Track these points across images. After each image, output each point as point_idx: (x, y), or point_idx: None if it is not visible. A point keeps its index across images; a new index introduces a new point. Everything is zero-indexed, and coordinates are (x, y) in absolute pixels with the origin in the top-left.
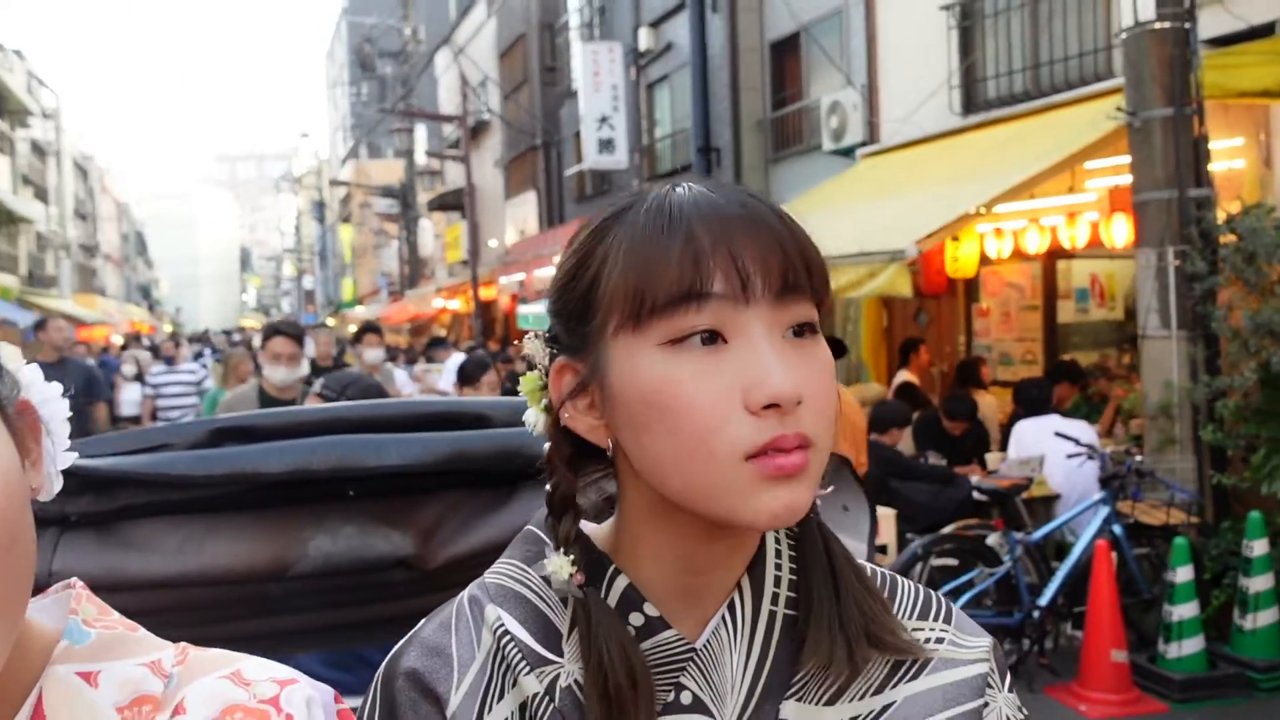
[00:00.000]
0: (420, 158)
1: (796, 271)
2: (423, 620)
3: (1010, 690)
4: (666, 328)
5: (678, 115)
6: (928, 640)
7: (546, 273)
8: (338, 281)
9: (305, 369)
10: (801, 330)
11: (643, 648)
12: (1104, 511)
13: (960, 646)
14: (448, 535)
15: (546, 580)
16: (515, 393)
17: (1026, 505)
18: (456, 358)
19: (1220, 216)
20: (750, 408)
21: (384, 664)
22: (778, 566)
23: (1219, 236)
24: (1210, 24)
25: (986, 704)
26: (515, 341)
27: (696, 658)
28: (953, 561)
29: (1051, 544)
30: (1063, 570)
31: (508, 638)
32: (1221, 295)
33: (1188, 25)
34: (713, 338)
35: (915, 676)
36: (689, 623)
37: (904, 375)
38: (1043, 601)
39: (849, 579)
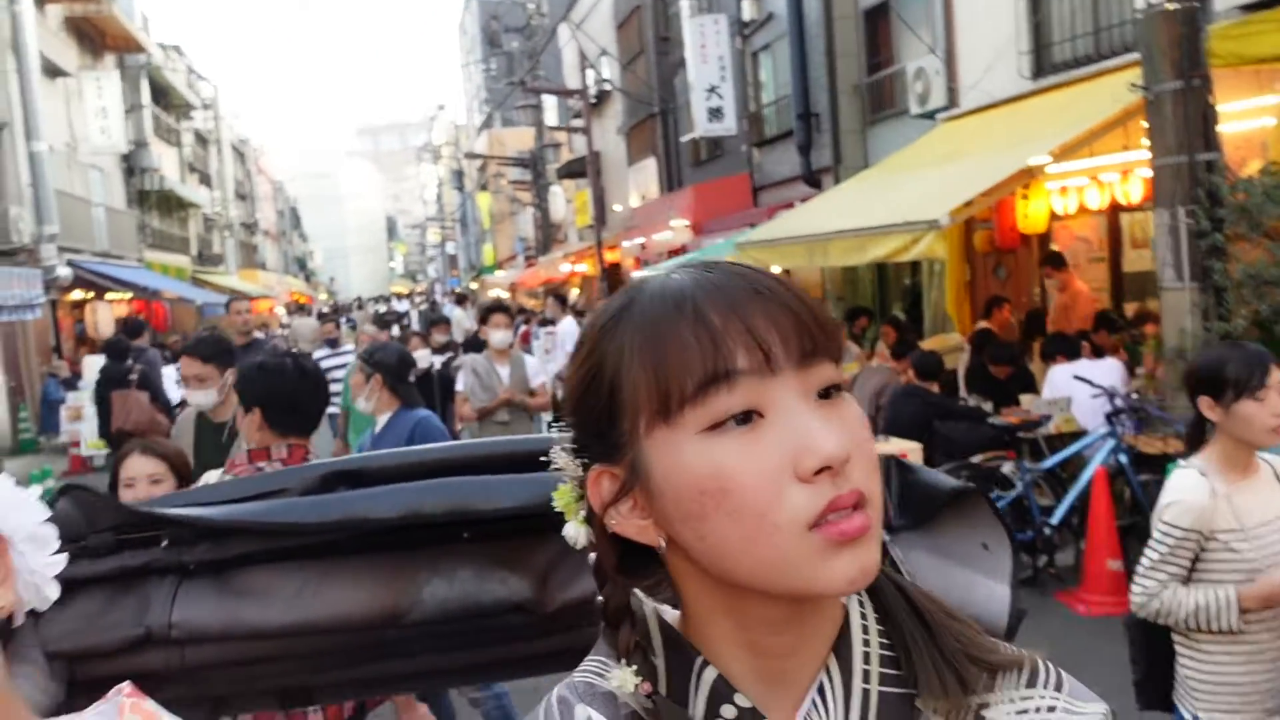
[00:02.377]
0: (549, 126)
1: (814, 335)
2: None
3: None
4: (700, 415)
5: (780, 82)
6: (1039, 709)
7: (664, 236)
8: (478, 247)
9: (217, 393)
10: (828, 392)
11: None
12: (1110, 443)
13: (1074, 713)
14: (563, 579)
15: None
16: None
17: (1059, 439)
18: (569, 322)
19: (1238, 175)
20: (802, 476)
21: None
22: (865, 641)
23: (1224, 196)
24: None
25: None
26: None
27: None
28: (971, 486)
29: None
30: (1071, 494)
31: None
32: (1235, 249)
33: (1196, 4)
34: (748, 416)
35: None
36: (783, 708)
37: (982, 324)
38: (1054, 520)
39: (934, 613)
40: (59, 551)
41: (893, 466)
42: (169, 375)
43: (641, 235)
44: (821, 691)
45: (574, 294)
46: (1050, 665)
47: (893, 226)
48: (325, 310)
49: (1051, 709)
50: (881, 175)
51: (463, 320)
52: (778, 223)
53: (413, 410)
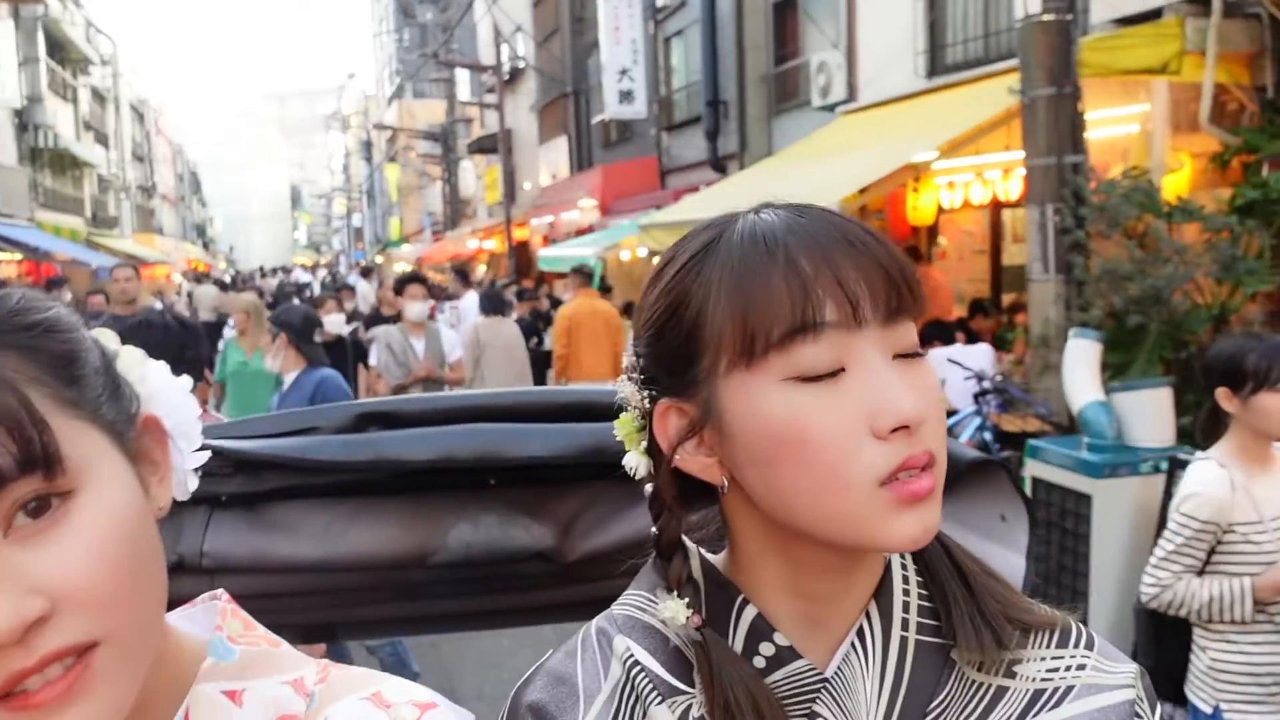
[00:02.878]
0: (461, 100)
1: (901, 292)
2: (549, 651)
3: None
4: (784, 363)
5: (692, 68)
6: (1069, 668)
7: (572, 216)
8: (385, 220)
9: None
10: (907, 354)
11: (774, 678)
12: (976, 421)
13: (1104, 672)
14: (586, 529)
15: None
16: (537, 328)
17: None
18: (472, 296)
19: (1102, 178)
20: (878, 433)
21: (511, 695)
22: (905, 592)
23: (1087, 197)
24: (1104, 10)
25: None
26: (546, 284)
27: (829, 687)
28: (993, 458)
29: None
30: None
31: (638, 668)
32: (1095, 246)
33: (1069, 17)
34: (834, 371)
35: (1057, 705)
36: (819, 651)
37: None
38: None
39: (975, 571)
40: None
41: None
42: None
43: (550, 214)
44: (861, 636)
45: (481, 270)
46: (1083, 626)
47: None
48: (225, 280)
49: (1082, 666)
50: (783, 164)
51: (368, 293)
52: (682, 205)
53: (317, 369)
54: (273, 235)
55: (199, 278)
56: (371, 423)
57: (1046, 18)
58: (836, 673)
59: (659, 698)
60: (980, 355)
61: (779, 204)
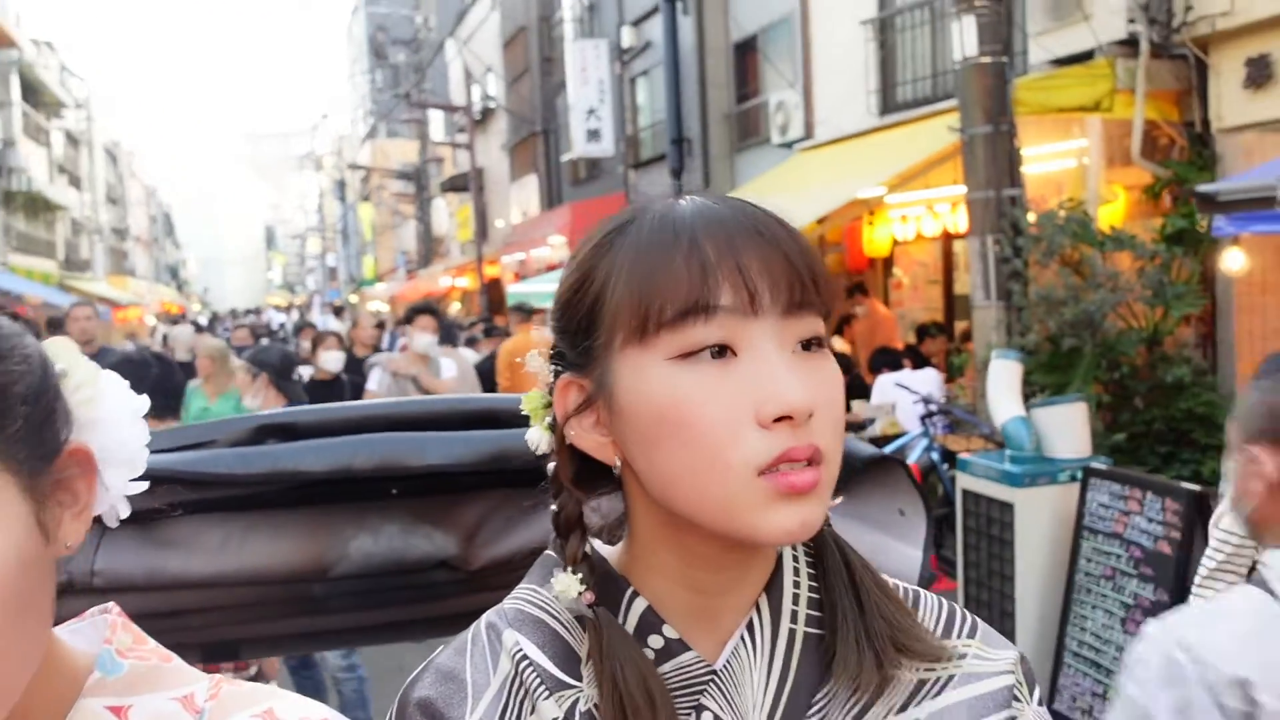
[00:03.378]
0: (434, 140)
1: (805, 285)
2: (439, 648)
3: (1040, 703)
4: (674, 341)
5: (657, 107)
6: (951, 657)
7: (542, 253)
8: (359, 259)
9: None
10: (809, 344)
11: (663, 670)
12: (924, 442)
13: (985, 660)
14: (490, 536)
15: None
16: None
17: (885, 440)
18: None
19: (1040, 210)
20: (762, 421)
21: (400, 692)
22: (796, 585)
23: (1025, 228)
24: (1041, 52)
25: (1014, 717)
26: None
27: (717, 679)
28: (890, 455)
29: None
30: None
31: (526, 663)
32: (1032, 273)
33: (1004, 60)
34: (721, 351)
35: (939, 693)
36: (708, 643)
37: (836, 342)
38: None
39: (870, 589)
40: None
41: None
42: None
43: (521, 250)
44: (750, 629)
45: (455, 308)
46: (967, 614)
47: None
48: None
49: (963, 656)
50: (749, 195)
51: (340, 332)
52: None
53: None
54: (247, 276)
55: (174, 319)
56: (270, 435)
57: (983, 60)
58: (725, 665)
59: (546, 692)
60: (927, 379)
61: (705, 192)
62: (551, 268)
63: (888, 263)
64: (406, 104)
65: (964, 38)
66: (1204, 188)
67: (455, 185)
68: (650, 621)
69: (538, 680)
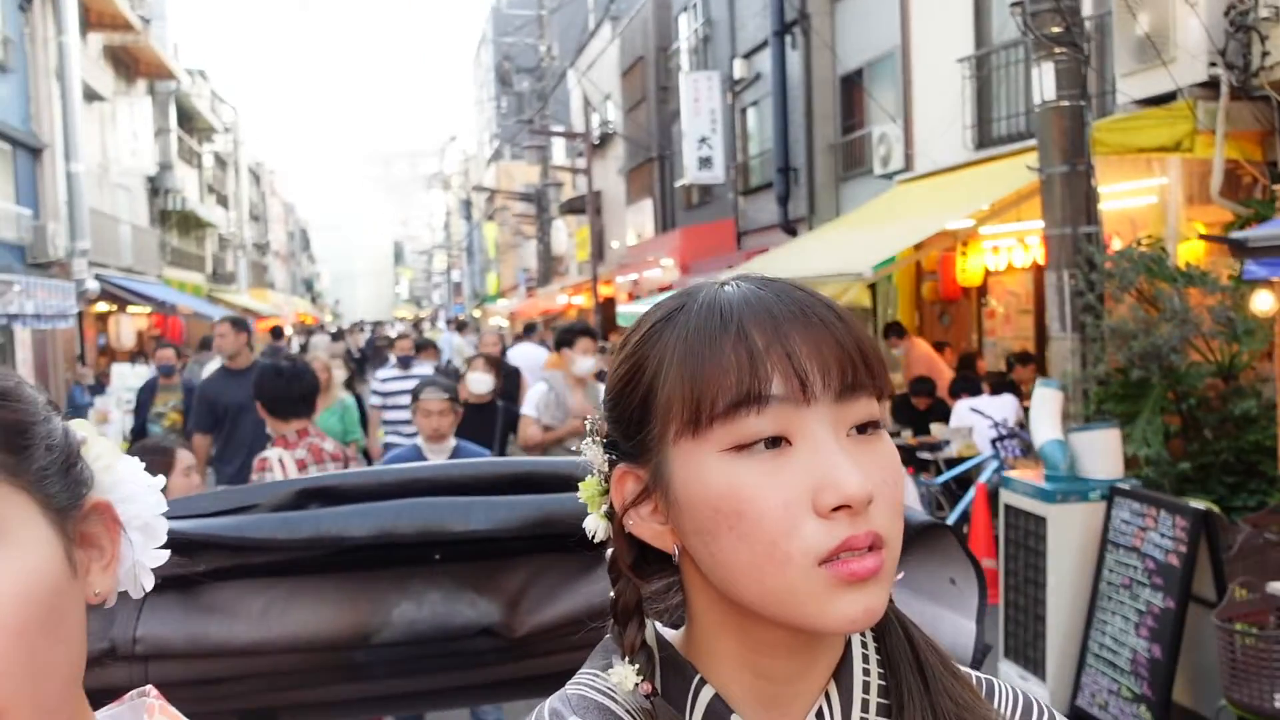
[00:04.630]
0: (554, 163)
1: (856, 369)
2: None
3: None
4: (728, 434)
5: (765, 137)
6: None
7: (654, 274)
8: (483, 275)
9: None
10: (864, 428)
11: None
12: (994, 464)
13: None
14: (534, 603)
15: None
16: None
17: (959, 461)
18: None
19: (1117, 247)
20: (820, 511)
21: None
22: (865, 671)
23: (1100, 263)
24: (1126, 93)
25: None
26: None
27: None
28: (940, 522)
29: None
30: (961, 503)
31: None
32: (1107, 307)
33: (1082, 103)
34: (776, 441)
35: None
36: None
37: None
38: (949, 522)
39: (935, 666)
40: None
41: None
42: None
43: (635, 272)
44: (820, 717)
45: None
46: (1043, 704)
47: (829, 276)
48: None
49: None
50: (842, 229)
51: (463, 349)
52: (751, 266)
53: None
54: (376, 289)
55: (309, 330)
56: (311, 499)
57: (1061, 104)
58: None
59: None
60: (1003, 405)
61: (751, 276)
62: (663, 289)
63: (981, 291)
64: (529, 129)
65: (1043, 82)
66: (1236, 234)
67: (574, 207)
68: (718, 711)
69: None
